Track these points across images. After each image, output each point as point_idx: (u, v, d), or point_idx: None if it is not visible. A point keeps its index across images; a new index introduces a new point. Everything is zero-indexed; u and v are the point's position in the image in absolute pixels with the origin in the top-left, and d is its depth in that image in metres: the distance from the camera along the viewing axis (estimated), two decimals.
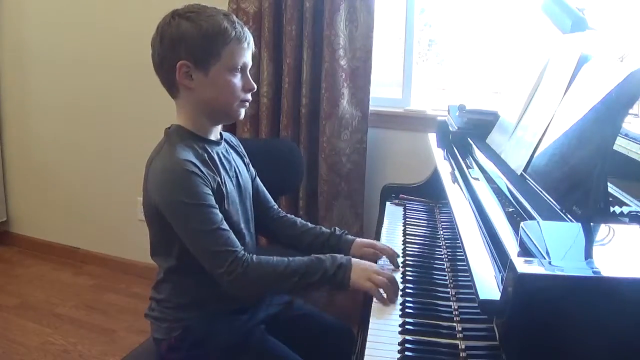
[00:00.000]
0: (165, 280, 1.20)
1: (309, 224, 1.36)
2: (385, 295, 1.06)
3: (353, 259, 1.12)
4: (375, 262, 1.21)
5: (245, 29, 1.15)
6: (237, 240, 1.10)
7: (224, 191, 1.15)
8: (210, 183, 1.11)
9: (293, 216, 1.38)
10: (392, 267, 1.21)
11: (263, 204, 1.36)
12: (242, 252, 1.09)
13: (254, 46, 1.18)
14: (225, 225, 1.10)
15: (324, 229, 1.33)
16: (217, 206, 1.10)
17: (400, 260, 1.25)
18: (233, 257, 1.07)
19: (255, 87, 1.19)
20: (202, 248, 1.09)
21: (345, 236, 1.30)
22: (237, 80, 1.14)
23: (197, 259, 1.10)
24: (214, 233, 1.08)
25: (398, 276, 1.16)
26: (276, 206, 1.39)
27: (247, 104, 1.19)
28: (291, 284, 1.09)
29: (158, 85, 1.19)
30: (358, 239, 1.28)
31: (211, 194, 1.10)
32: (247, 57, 1.16)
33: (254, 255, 1.10)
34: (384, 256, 1.24)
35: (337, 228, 1.32)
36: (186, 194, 1.07)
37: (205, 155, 1.15)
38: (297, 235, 1.33)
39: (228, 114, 1.19)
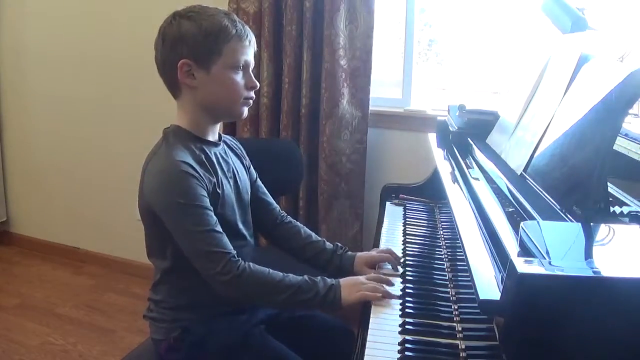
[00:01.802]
0: (162, 282, 1.20)
1: (312, 234, 1.35)
2: (380, 296, 1.07)
3: (341, 279, 1.12)
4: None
5: (247, 27, 1.16)
6: (230, 244, 1.10)
7: (220, 192, 1.15)
8: (206, 184, 1.11)
9: (297, 223, 1.37)
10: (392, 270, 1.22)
11: (265, 207, 1.36)
12: (236, 256, 1.09)
13: (256, 45, 1.19)
14: (219, 228, 1.10)
15: (327, 244, 1.32)
16: (212, 208, 1.10)
17: (400, 260, 1.24)
18: (227, 259, 1.07)
19: (258, 85, 1.19)
20: (195, 249, 1.08)
21: (347, 254, 1.29)
22: (239, 78, 1.14)
23: (190, 260, 1.10)
24: (208, 234, 1.08)
25: (396, 279, 1.16)
26: (278, 209, 1.39)
27: (251, 102, 1.19)
28: (283, 298, 1.09)
29: (158, 85, 1.19)
30: (358, 255, 1.28)
31: (206, 195, 1.10)
32: (249, 55, 1.16)
33: (251, 263, 1.11)
34: (386, 262, 1.24)
35: (339, 245, 1.32)
36: (181, 194, 1.07)
37: (203, 156, 1.15)
38: (300, 247, 1.33)
39: (231, 112, 1.19)
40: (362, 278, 1.13)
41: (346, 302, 1.08)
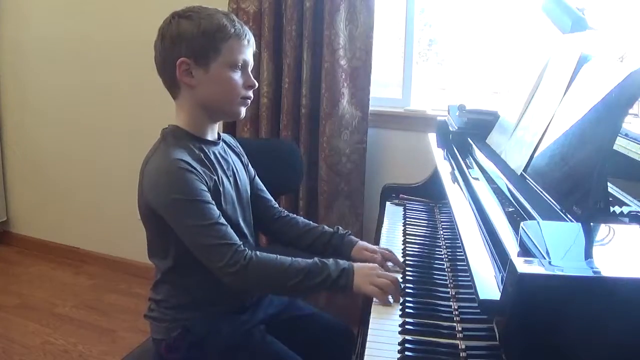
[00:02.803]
0: (163, 281, 1.20)
1: (311, 223, 1.35)
2: (389, 297, 1.06)
3: (355, 264, 1.11)
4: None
5: (246, 27, 1.16)
6: (235, 234, 1.10)
7: (221, 190, 1.16)
8: (206, 180, 1.11)
9: (295, 215, 1.38)
10: (396, 267, 1.22)
11: (264, 203, 1.36)
12: (242, 246, 1.09)
13: (255, 45, 1.19)
14: (222, 220, 1.09)
15: (326, 228, 1.32)
16: (213, 202, 1.10)
17: (400, 260, 1.24)
18: (233, 250, 1.07)
19: (257, 84, 1.19)
20: (200, 243, 1.08)
21: (349, 237, 1.29)
22: (238, 77, 1.15)
23: (195, 258, 1.10)
24: (211, 227, 1.07)
25: (398, 276, 1.16)
26: (277, 205, 1.39)
27: (249, 102, 1.19)
28: (294, 283, 1.07)
29: (158, 85, 1.19)
30: (360, 242, 1.28)
31: (207, 190, 1.10)
32: (248, 55, 1.16)
33: (257, 251, 1.10)
34: (387, 261, 1.24)
35: (340, 228, 1.32)
36: (180, 191, 1.07)
37: (202, 155, 1.15)
38: (299, 235, 1.33)
39: (229, 111, 1.19)
40: (378, 269, 1.11)
41: (358, 289, 1.07)
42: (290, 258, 1.10)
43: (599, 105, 0.85)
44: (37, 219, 3.02)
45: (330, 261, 1.10)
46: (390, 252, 1.25)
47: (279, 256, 1.10)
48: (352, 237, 1.30)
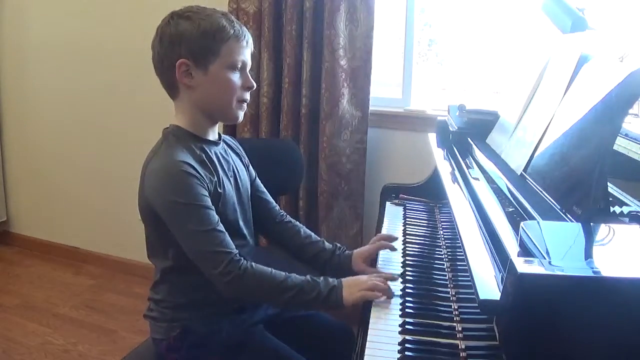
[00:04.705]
0: (162, 281, 1.20)
1: (312, 234, 1.35)
2: (380, 295, 1.07)
3: (344, 279, 1.12)
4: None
5: (244, 28, 1.16)
6: (232, 243, 1.10)
7: (221, 191, 1.16)
8: (207, 184, 1.11)
9: (297, 223, 1.37)
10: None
11: (264, 205, 1.36)
12: (238, 255, 1.09)
13: (252, 46, 1.19)
14: (221, 227, 1.10)
15: (326, 244, 1.33)
16: (213, 207, 1.10)
17: (400, 260, 1.25)
18: (229, 258, 1.07)
19: (255, 85, 1.19)
20: (197, 249, 1.08)
21: (344, 254, 1.30)
22: (237, 78, 1.15)
23: (192, 259, 1.10)
24: (210, 234, 1.08)
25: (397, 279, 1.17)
26: (278, 208, 1.39)
27: (245, 105, 1.19)
28: (286, 298, 1.09)
29: (157, 86, 1.19)
30: (355, 252, 1.29)
31: (207, 195, 1.10)
32: (246, 56, 1.16)
33: (253, 263, 1.10)
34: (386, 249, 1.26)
35: (337, 245, 1.33)
36: (181, 194, 1.07)
37: (203, 155, 1.15)
38: (300, 246, 1.33)
39: (226, 114, 1.19)
40: (363, 277, 1.13)
41: (348, 302, 1.08)
42: (284, 273, 1.11)
43: (599, 105, 0.85)
44: (37, 219, 3.02)
45: (321, 279, 1.11)
46: (382, 237, 1.27)
47: (273, 270, 1.11)
48: (348, 252, 1.31)
